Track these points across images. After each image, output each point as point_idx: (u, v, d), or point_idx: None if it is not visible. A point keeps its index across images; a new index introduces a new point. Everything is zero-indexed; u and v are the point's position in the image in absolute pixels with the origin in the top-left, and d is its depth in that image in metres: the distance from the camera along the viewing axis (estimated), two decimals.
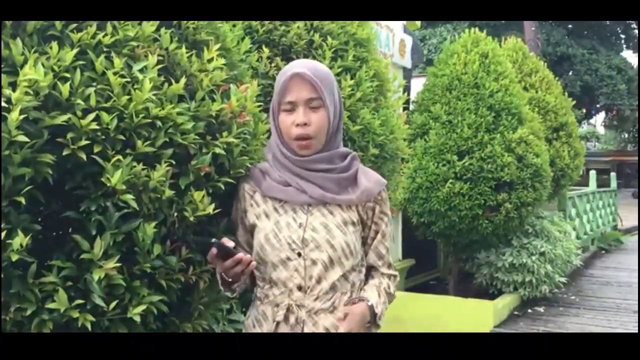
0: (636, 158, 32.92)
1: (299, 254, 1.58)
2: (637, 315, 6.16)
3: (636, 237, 12.97)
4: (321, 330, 1.58)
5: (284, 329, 1.60)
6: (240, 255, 1.53)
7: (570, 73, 21.93)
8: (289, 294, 1.59)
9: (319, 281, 1.58)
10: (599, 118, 32.91)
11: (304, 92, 1.57)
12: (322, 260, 1.58)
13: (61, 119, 1.35)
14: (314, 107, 1.58)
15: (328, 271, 1.58)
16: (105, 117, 1.39)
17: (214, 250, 1.52)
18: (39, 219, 1.44)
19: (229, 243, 1.54)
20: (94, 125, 1.38)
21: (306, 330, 1.58)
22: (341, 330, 1.54)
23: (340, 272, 1.60)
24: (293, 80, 1.58)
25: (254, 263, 1.56)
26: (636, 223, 14.72)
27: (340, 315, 1.56)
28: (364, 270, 1.70)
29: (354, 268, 1.63)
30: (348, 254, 1.60)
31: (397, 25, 6.54)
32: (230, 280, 1.60)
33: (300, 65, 1.61)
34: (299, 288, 1.59)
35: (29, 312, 1.36)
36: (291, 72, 1.58)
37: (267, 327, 1.62)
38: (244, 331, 1.73)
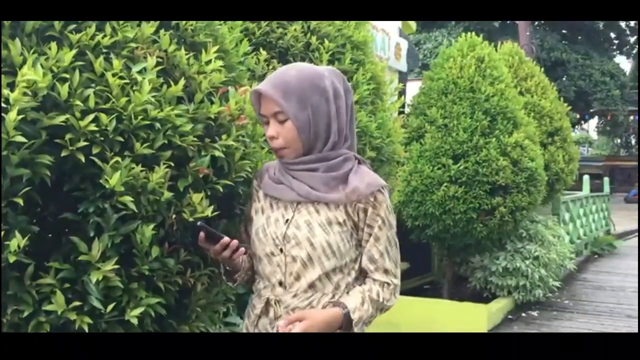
0: (628, 163, 33.12)
1: (281, 250, 1.60)
2: (630, 319, 6.19)
3: (629, 241, 13.04)
4: (296, 327, 1.53)
5: (264, 321, 1.63)
6: (226, 239, 1.55)
7: (564, 78, 22.03)
8: (271, 288, 1.62)
9: (297, 278, 1.59)
10: (592, 123, 33.10)
11: (269, 106, 1.58)
12: (300, 257, 1.58)
13: (59, 119, 1.35)
14: (281, 120, 1.58)
15: (307, 269, 1.58)
16: (103, 118, 1.39)
17: (202, 234, 1.53)
18: (37, 221, 1.43)
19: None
20: (92, 127, 1.37)
21: None
22: (284, 330, 1.51)
23: (320, 272, 1.58)
24: (260, 95, 1.59)
25: (242, 249, 1.59)
26: (628, 228, 14.79)
27: (290, 319, 1.52)
28: (353, 273, 1.66)
29: (340, 269, 1.61)
30: (329, 254, 1.58)
31: (393, 29, 6.56)
32: (229, 268, 1.64)
33: (265, 81, 1.60)
34: (280, 283, 1.60)
35: (26, 314, 1.35)
36: (253, 90, 1.59)
37: (252, 319, 1.67)
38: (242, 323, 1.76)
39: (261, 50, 2.64)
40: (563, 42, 23.02)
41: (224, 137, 1.60)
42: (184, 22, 1.68)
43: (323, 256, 1.58)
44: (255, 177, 1.73)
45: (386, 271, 1.66)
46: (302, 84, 1.57)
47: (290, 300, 1.59)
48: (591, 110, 23.98)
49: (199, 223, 1.52)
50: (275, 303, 1.61)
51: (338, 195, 1.60)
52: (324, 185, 1.60)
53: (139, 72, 1.49)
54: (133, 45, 1.53)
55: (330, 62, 2.78)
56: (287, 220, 1.61)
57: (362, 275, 1.68)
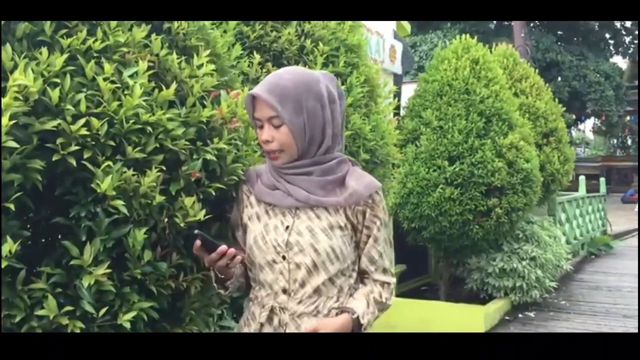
0: (625, 164, 33.20)
1: (284, 257, 1.59)
2: (626, 319, 6.20)
3: (625, 242, 13.07)
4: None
5: (267, 330, 1.61)
6: (224, 247, 1.52)
7: (559, 79, 22.05)
8: (274, 296, 1.60)
9: (302, 285, 1.58)
10: (588, 124, 33.17)
11: (265, 110, 1.57)
12: (305, 264, 1.57)
13: (51, 124, 1.35)
14: (276, 125, 1.57)
15: (312, 275, 1.58)
16: (95, 122, 1.39)
17: (198, 241, 1.51)
18: (28, 225, 1.44)
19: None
20: (83, 131, 1.37)
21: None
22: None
23: (325, 277, 1.59)
24: (255, 99, 1.58)
25: (239, 257, 1.56)
26: (625, 228, 14.83)
27: (308, 328, 1.55)
28: (354, 275, 1.68)
29: (342, 273, 1.62)
30: (333, 259, 1.59)
31: (387, 31, 6.57)
32: (222, 276, 1.61)
33: (261, 84, 1.59)
34: (284, 291, 1.59)
35: (18, 319, 1.35)
36: (248, 94, 1.59)
37: (254, 328, 1.64)
38: (236, 331, 1.74)
39: (255, 53, 2.64)
40: (558, 43, 23.06)
41: (215, 140, 1.60)
42: (175, 26, 1.68)
43: (327, 261, 1.58)
44: (243, 181, 1.70)
45: (385, 270, 1.69)
46: (297, 88, 1.57)
47: (296, 306, 1.59)
48: (587, 111, 24.03)
49: (195, 231, 1.51)
50: (280, 310, 1.60)
51: (337, 198, 1.60)
52: (321, 189, 1.60)
53: (131, 76, 1.49)
54: (124, 49, 1.53)
55: (325, 65, 2.78)
56: (287, 227, 1.60)
57: (359, 276, 1.70)
